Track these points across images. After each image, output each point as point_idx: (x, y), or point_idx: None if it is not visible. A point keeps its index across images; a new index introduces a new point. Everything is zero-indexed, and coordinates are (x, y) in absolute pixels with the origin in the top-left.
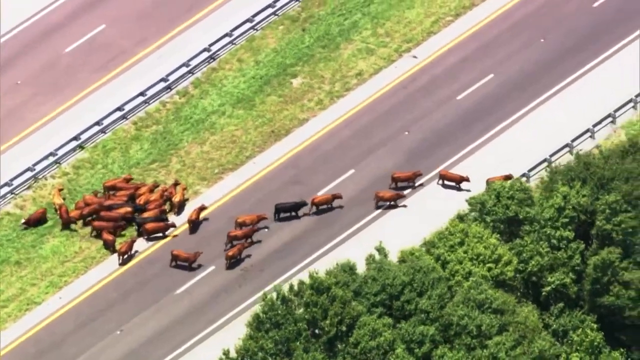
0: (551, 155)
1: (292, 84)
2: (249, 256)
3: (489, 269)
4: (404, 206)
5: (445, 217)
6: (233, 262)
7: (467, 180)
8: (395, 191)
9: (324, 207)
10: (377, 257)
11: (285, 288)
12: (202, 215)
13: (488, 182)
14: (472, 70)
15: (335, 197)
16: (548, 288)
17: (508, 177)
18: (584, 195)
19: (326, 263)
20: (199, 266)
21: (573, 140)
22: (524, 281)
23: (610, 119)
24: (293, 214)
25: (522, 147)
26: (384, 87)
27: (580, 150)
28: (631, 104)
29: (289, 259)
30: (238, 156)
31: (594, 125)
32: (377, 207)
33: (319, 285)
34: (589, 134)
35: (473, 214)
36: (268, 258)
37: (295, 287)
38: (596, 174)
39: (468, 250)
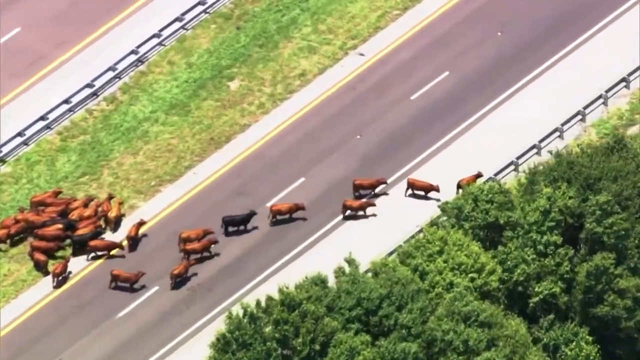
0: (518, 158)
1: (229, 87)
2: (195, 274)
3: (472, 279)
4: (374, 215)
5: (408, 226)
6: (179, 282)
7: (437, 190)
8: (364, 199)
9: (284, 217)
10: (347, 269)
11: (252, 304)
12: (142, 231)
13: (459, 185)
14: (425, 68)
15: (299, 207)
16: (536, 299)
17: (479, 176)
18: (570, 197)
19: (281, 279)
20: (142, 287)
21: (541, 141)
22: (508, 292)
23: (579, 117)
24: (242, 227)
25: (486, 149)
26: (331, 87)
27: (550, 151)
28: (601, 100)
29: (239, 276)
30: (176, 166)
31: (563, 124)
32: (345, 217)
33: (290, 301)
34: (557, 133)
35: (446, 219)
36: (217, 276)
37: (263, 304)
38: (582, 173)
39: (448, 260)
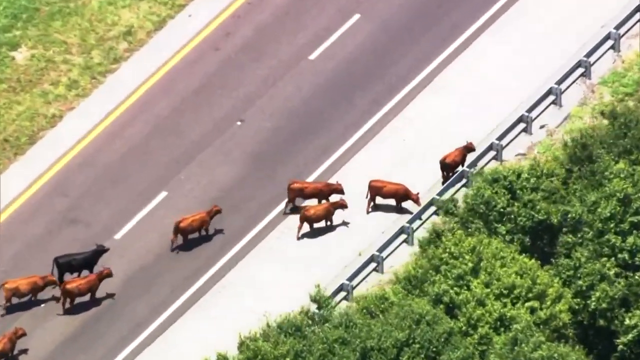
0: (500, 138)
1: (14, 59)
2: (25, 351)
3: (532, 310)
4: (346, 224)
5: (343, 251)
6: None
7: (416, 200)
8: (326, 203)
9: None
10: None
11: None
12: None
13: (446, 164)
14: (322, 11)
15: (212, 214)
16: (628, 337)
17: (469, 149)
18: None
19: (161, 349)
20: None
21: (530, 110)
22: (582, 327)
23: (581, 70)
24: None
25: (443, 129)
26: (180, 50)
27: (543, 126)
28: (610, 43)
29: (95, 350)
30: None
31: (559, 83)
32: (301, 236)
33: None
34: (552, 97)
35: (454, 224)
36: (59, 350)
37: None
38: None
39: (491, 282)
